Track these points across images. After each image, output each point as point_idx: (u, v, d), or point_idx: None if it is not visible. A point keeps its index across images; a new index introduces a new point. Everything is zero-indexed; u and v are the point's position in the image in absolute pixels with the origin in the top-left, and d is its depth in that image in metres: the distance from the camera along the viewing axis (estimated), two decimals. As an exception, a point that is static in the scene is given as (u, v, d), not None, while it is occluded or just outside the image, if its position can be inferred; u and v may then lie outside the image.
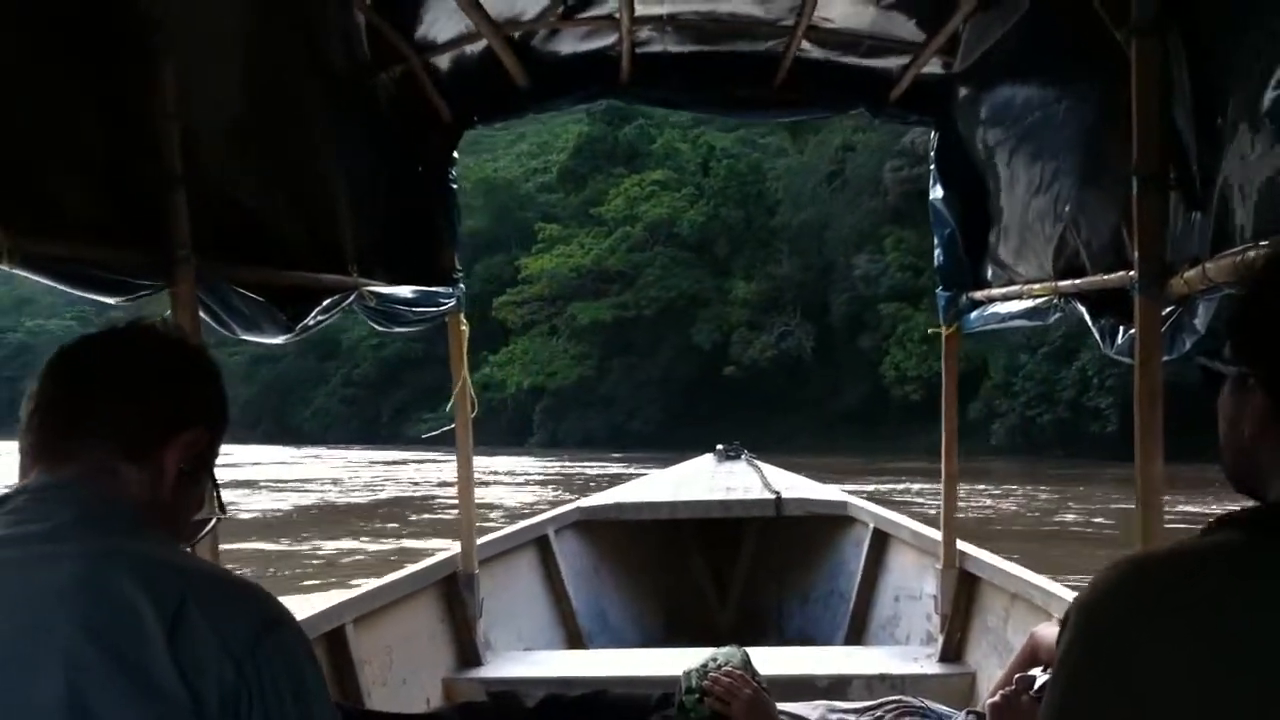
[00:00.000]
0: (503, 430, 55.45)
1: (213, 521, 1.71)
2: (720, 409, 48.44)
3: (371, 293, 3.72)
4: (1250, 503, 1.17)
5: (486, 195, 66.14)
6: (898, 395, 45.61)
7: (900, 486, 26.50)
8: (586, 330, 55.85)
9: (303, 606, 3.92)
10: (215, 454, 1.55)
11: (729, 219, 53.92)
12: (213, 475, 1.56)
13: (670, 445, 44.98)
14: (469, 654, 4.86)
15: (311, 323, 3.29)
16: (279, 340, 3.19)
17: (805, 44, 4.16)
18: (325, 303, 3.38)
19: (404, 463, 42.41)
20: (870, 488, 22.78)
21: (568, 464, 41.53)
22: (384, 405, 66.48)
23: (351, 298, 3.57)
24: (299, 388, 74.58)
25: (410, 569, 4.78)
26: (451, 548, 5.01)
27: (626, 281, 55.38)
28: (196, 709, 1.23)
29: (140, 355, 1.48)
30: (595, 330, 55.51)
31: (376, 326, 4.00)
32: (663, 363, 53.86)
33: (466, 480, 4.86)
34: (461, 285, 4.60)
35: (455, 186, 4.57)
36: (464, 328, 4.69)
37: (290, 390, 74.27)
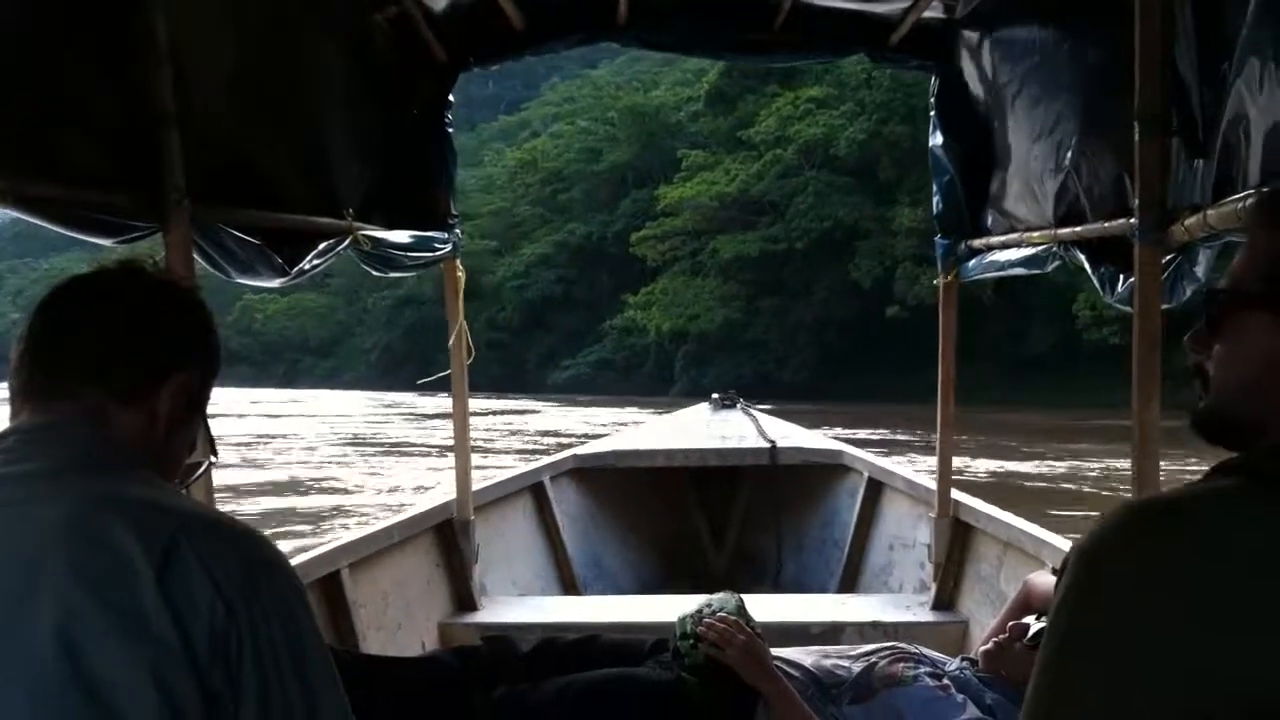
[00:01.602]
0: (645, 378, 52.74)
1: (205, 464, 1.70)
2: (882, 355, 43.06)
3: (367, 237, 3.70)
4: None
5: (633, 125, 63.72)
6: (1093, 339, 38.12)
7: (1098, 459, 21.49)
8: (731, 266, 50.23)
9: (298, 551, 3.93)
10: (207, 396, 1.54)
11: (893, 136, 44.60)
12: (204, 417, 1.55)
13: (827, 395, 40.47)
14: (464, 599, 4.89)
15: (307, 266, 3.27)
16: (275, 284, 3.17)
17: None
18: (320, 246, 3.37)
19: (535, 412, 39.61)
20: (1064, 465, 20.52)
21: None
22: (529, 350, 63.82)
23: (346, 242, 3.55)
24: (443, 331, 71.76)
25: (406, 514, 4.78)
26: (447, 493, 5.02)
27: (777, 212, 48.95)
28: (187, 650, 1.23)
29: (130, 297, 1.47)
30: (741, 266, 49.69)
31: (372, 270, 3.98)
32: (817, 303, 47.27)
33: (463, 426, 4.86)
34: (458, 230, 4.57)
35: (451, 130, 4.52)
36: (460, 273, 4.66)
37: (435, 335, 70.85)
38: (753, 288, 49.98)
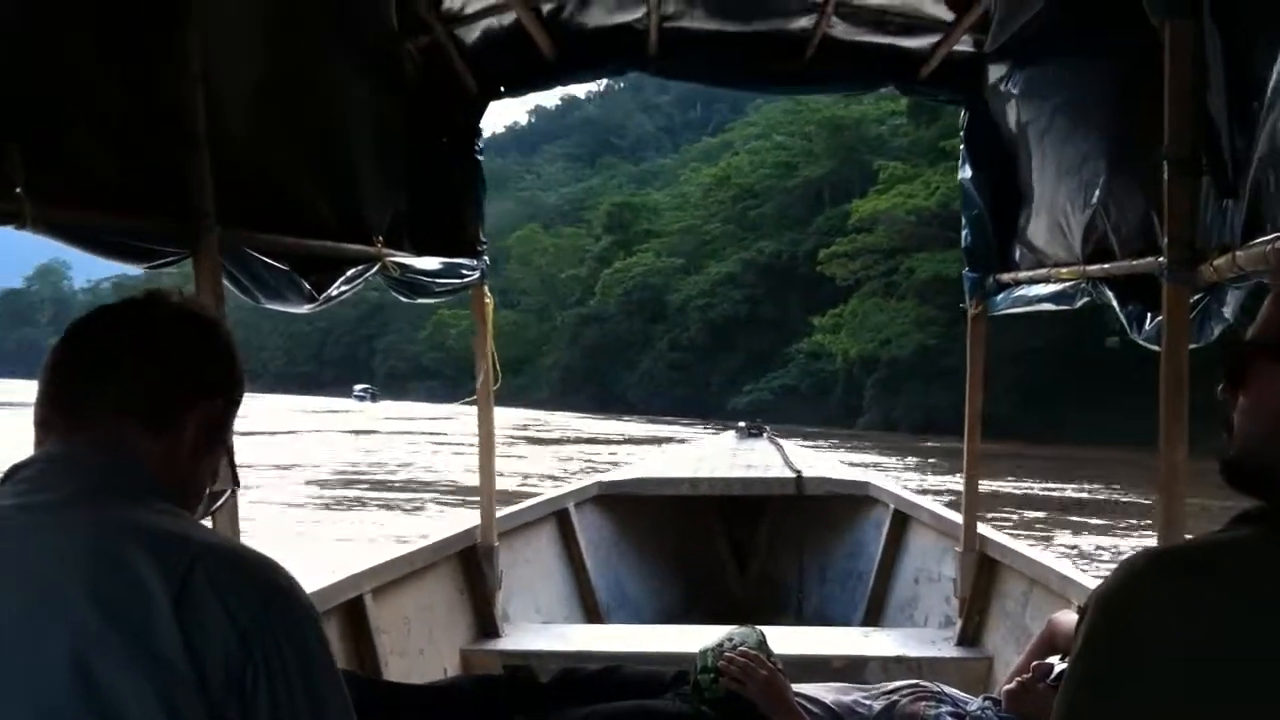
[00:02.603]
0: (831, 408, 49.14)
1: (227, 493, 1.71)
2: (1099, 389, 36.85)
3: (395, 263, 3.72)
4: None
5: (831, 137, 61.81)
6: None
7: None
8: (928, 287, 46.29)
9: (321, 577, 3.94)
10: (230, 425, 1.55)
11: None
12: (228, 447, 1.56)
13: (1037, 433, 36.28)
14: (487, 626, 4.88)
15: (335, 293, 3.29)
16: (303, 310, 3.19)
17: (834, 21, 4.13)
18: (349, 272, 3.38)
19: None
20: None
21: (900, 456, 33.32)
22: (712, 373, 61.11)
23: (375, 268, 3.57)
24: (625, 351, 69.04)
25: (429, 540, 4.79)
26: (472, 520, 5.02)
27: (981, 229, 46.26)
28: (200, 679, 1.24)
29: (156, 326, 1.48)
30: (939, 287, 43.90)
31: (400, 298, 3.99)
32: (1022, 328, 37.55)
33: (488, 451, 4.87)
34: (485, 257, 4.59)
35: (481, 158, 4.55)
36: (488, 300, 4.67)
37: (616, 354, 69.27)
38: (951, 311, 41.85)
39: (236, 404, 1.55)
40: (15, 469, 1.38)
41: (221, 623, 1.26)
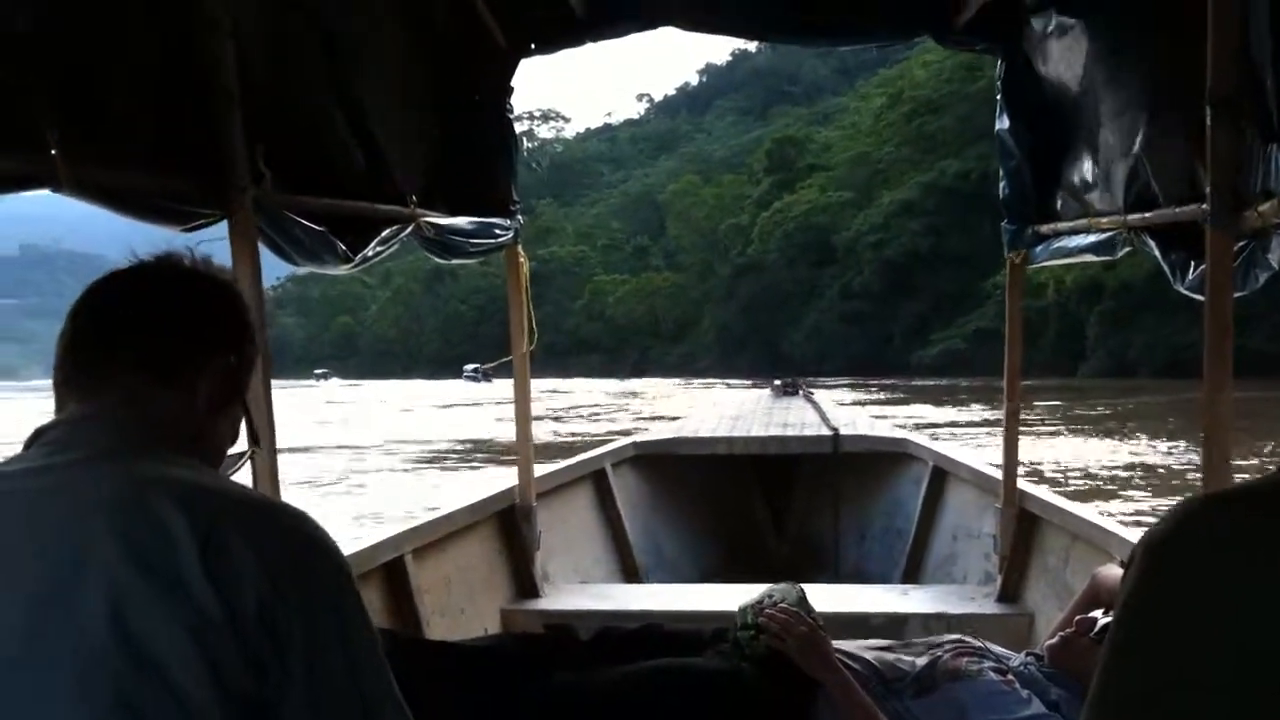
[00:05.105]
0: (1045, 351, 41.49)
1: (246, 454, 1.72)
2: None
3: (429, 223, 3.71)
4: None
5: None
6: None
7: None
8: None
9: (361, 538, 3.97)
10: (247, 381, 1.56)
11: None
12: (245, 405, 1.58)
13: None
14: (526, 585, 4.91)
15: (370, 253, 3.29)
16: (339, 270, 3.19)
17: None
18: (384, 233, 3.39)
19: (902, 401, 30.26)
20: None
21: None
22: (893, 322, 53.52)
23: (410, 228, 3.57)
24: (788, 304, 60.73)
25: (469, 501, 4.81)
26: (510, 480, 5.04)
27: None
28: (232, 621, 1.26)
29: (166, 286, 1.51)
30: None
31: (434, 257, 3.99)
32: None
33: (525, 413, 4.88)
34: (519, 217, 4.57)
35: (512, 115, 4.53)
36: (522, 260, 4.66)
37: (777, 308, 61.07)
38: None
39: (250, 361, 1.56)
40: (39, 432, 1.40)
41: (252, 568, 1.27)
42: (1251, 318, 32.99)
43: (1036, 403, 27.02)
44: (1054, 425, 25.65)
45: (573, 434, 28.83)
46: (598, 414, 36.41)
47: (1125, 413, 29.39)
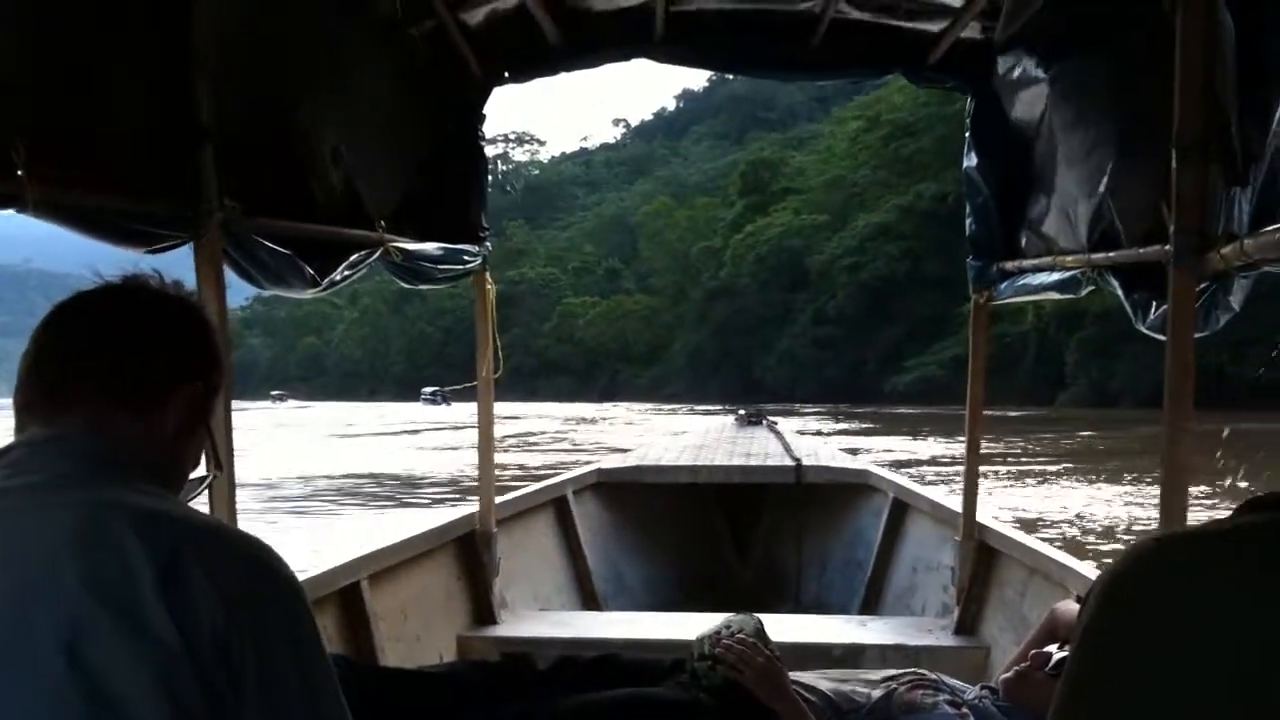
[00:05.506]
0: (1023, 379, 41.10)
1: (209, 478, 1.71)
2: None
3: (397, 249, 3.71)
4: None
5: None
6: None
7: None
8: None
9: (317, 563, 3.94)
10: (212, 408, 1.54)
11: None
12: (209, 430, 1.56)
13: None
14: (484, 612, 4.88)
15: (338, 278, 3.28)
16: (306, 294, 3.18)
17: (843, 5, 4.10)
18: (352, 258, 3.38)
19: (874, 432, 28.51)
20: None
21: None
22: (868, 347, 52.50)
23: (378, 253, 3.56)
24: (761, 329, 60.17)
25: (427, 526, 4.78)
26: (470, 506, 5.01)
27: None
28: (189, 652, 1.24)
29: (135, 310, 1.48)
30: None
31: (402, 283, 3.98)
32: None
33: (487, 439, 4.86)
34: (488, 244, 4.57)
35: (484, 143, 4.53)
36: (490, 286, 4.66)
37: (751, 331, 60.34)
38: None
39: (216, 388, 1.55)
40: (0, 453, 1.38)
41: (208, 596, 1.26)
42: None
43: (1009, 437, 26.43)
44: (1021, 464, 24.17)
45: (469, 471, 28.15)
46: (535, 444, 35.24)
47: (1106, 450, 28.10)
